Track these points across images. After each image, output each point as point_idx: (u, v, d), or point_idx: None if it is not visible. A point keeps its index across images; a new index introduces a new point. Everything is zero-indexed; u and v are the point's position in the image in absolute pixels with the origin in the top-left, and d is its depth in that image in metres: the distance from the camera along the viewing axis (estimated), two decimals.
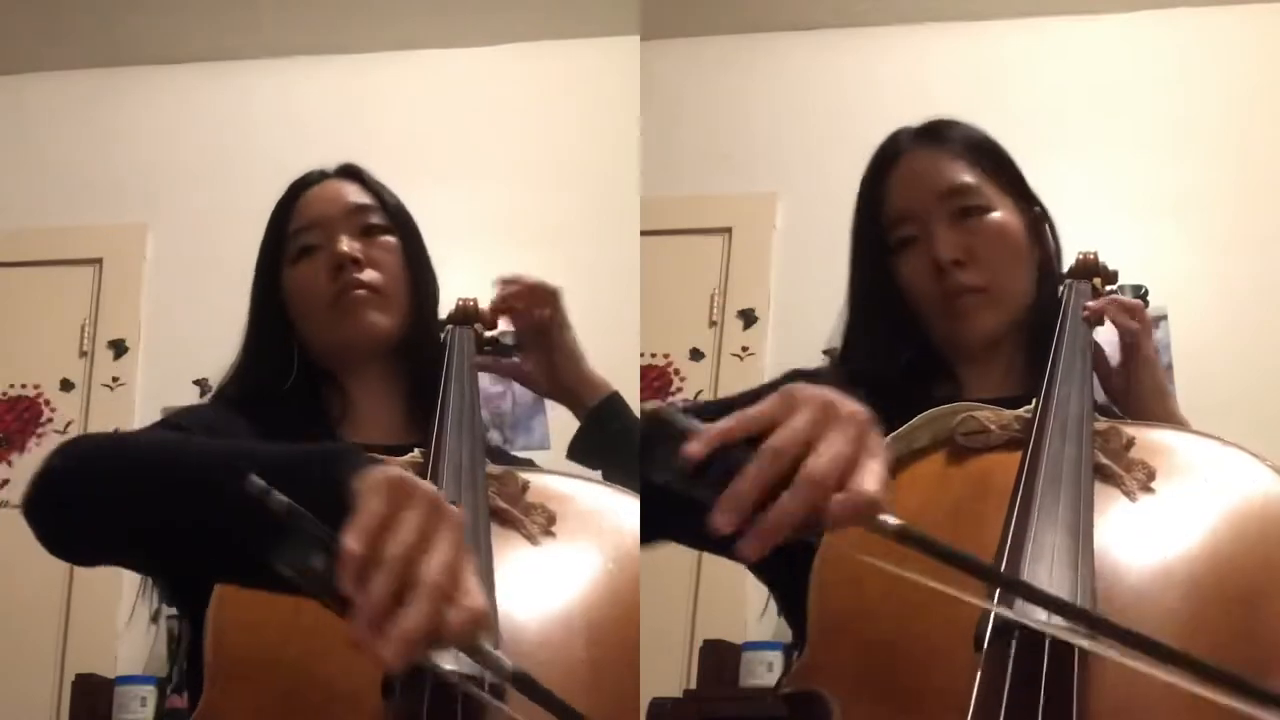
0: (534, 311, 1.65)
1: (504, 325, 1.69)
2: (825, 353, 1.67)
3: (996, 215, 1.56)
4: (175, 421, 1.46)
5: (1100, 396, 1.59)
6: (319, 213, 1.59)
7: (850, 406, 0.97)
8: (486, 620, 0.91)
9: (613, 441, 1.63)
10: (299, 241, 1.58)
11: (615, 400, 1.68)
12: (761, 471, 0.92)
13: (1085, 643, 0.96)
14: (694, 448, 0.93)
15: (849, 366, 1.58)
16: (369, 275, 1.56)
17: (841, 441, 0.94)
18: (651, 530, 1.31)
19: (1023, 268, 1.58)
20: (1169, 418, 1.52)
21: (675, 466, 0.93)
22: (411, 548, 0.90)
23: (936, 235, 1.53)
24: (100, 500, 1.12)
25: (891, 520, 0.92)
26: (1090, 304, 1.56)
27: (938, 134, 1.60)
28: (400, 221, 1.63)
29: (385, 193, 1.64)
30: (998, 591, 1.08)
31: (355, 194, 1.62)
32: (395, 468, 0.96)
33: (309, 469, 0.99)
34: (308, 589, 0.90)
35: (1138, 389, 1.54)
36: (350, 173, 1.65)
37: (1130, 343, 1.55)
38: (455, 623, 0.89)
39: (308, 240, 1.58)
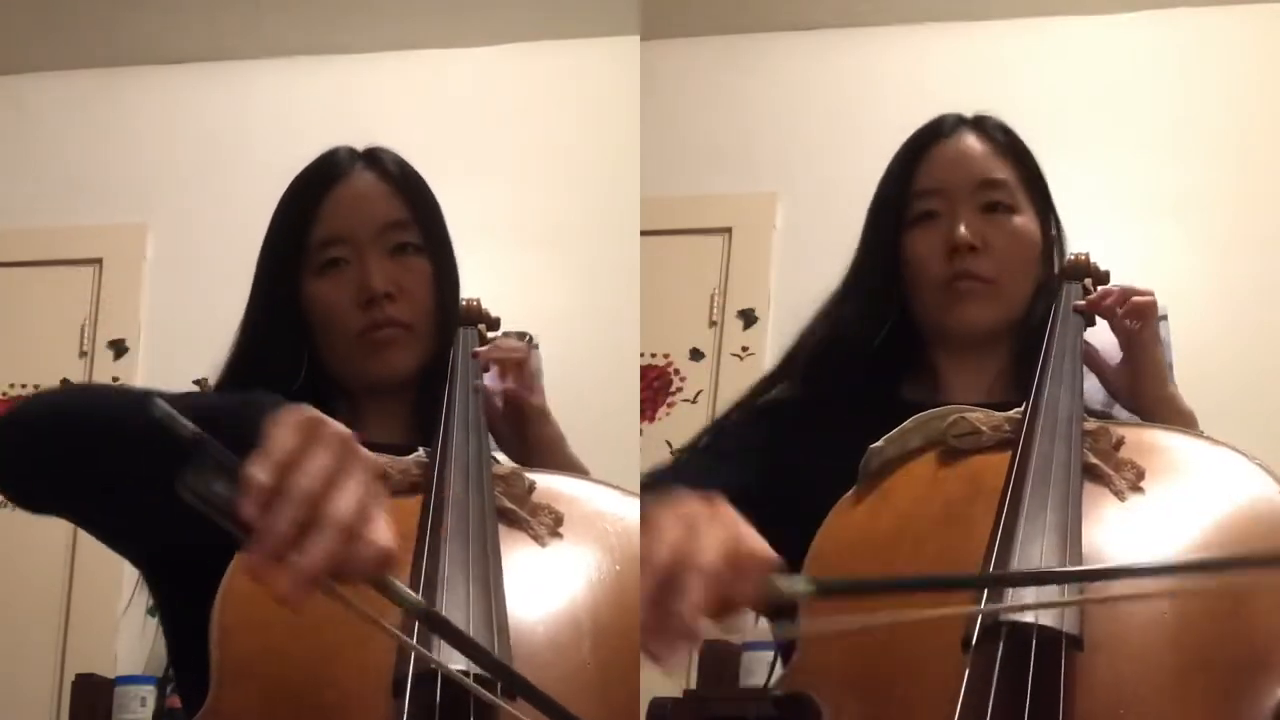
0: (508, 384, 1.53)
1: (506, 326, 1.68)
2: None
3: (1020, 219, 1.58)
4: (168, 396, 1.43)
5: (1098, 397, 1.60)
6: (348, 226, 1.48)
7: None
8: (392, 560, 0.90)
9: None
10: (325, 253, 1.48)
11: None
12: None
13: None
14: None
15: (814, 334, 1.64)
16: (400, 311, 1.46)
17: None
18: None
19: (1030, 275, 1.59)
20: (1167, 399, 1.53)
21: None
22: (319, 482, 0.89)
23: (961, 218, 1.55)
24: (39, 444, 1.15)
25: (792, 582, 0.97)
26: (1090, 297, 1.57)
27: (987, 127, 1.63)
28: (434, 240, 1.52)
29: (417, 196, 1.53)
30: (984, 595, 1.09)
31: (388, 205, 1.50)
32: (310, 408, 0.95)
33: (227, 412, 1.01)
34: (212, 515, 0.89)
35: (1141, 378, 1.55)
36: (379, 167, 1.53)
37: (1133, 335, 1.55)
38: (359, 559, 0.88)
39: (335, 254, 1.48)
